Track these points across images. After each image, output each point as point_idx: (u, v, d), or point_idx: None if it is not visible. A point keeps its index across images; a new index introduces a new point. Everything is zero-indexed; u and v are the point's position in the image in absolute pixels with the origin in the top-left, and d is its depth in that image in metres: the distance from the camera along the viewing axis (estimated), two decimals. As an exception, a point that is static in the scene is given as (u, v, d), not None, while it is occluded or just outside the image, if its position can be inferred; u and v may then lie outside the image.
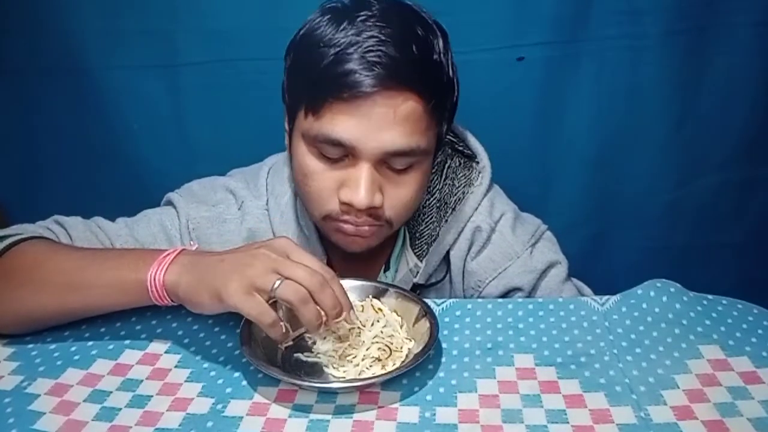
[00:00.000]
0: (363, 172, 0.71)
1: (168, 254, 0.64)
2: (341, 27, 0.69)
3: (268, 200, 0.84)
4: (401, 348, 0.66)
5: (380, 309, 0.71)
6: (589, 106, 1.18)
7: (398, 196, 0.74)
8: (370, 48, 0.67)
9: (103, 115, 1.19)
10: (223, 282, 0.59)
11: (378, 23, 0.69)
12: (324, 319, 0.61)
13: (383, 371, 0.63)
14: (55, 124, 1.21)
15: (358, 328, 0.67)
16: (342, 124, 0.69)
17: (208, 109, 1.19)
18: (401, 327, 0.69)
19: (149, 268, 0.63)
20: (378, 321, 0.69)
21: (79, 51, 1.15)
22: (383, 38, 0.68)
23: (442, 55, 0.72)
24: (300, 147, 0.74)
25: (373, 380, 0.61)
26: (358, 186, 0.71)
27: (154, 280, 0.62)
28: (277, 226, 0.83)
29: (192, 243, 0.69)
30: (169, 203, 0.86)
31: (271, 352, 0.65)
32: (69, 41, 1.14)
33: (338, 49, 0.68)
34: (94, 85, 1.17)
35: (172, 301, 0.64)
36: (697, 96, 1.17)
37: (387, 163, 0.72)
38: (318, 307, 0.60)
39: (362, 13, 0.69)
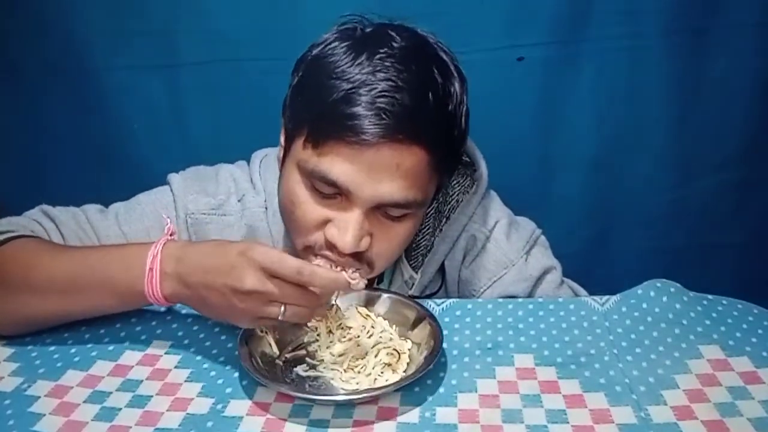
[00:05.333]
0: (353, 217, 0.67)
1: (152, 261, 0.63)
2: (358, 61, 0.66)
3: (266, 199, 0.83)
4: (404, 350, 0.66)
5: (368, 315, 0.70)
6: (589, 106, 1.18)
7: (386, 243, 0.71)
8: (384, 93, 0.64)
9: (104, 115, 1.19)
10: (230, 318, 0.63)
11: (396, 65, 0.65)
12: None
13: (395, 375, 0.63)
14: (56, 124, 1.21)
15: (356, 336, 0.67)
16: (340, 166, 0.65)
17: (208, 109, 1.19)
18: (393, 329, 0.69)
19: (144, 283, 0.63)
20: (373, 327, 0.69)
21: (81, 51, 1.15)
22: (399, 84, 0.64)
23: (457, 105, 0.70)
24: (293, 174, 0.70)
25: (388, 389, 0.59)
26: (347, 230, 0.67)
27: (154, 296, 0.64)
28: (272, 226, 0.81)
29: (168, 223, 0.68)
30: (168, 187, 0.83)
31: (269, 368, 0.64)
32: (70, 41, 1.14)
33: (350, 86, 0.64)
34: (94, 85, 1.17)
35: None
36: (697, 96, 1.17)
37: (380, 209, 0.69)
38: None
39: (382, 51, 0.66)
